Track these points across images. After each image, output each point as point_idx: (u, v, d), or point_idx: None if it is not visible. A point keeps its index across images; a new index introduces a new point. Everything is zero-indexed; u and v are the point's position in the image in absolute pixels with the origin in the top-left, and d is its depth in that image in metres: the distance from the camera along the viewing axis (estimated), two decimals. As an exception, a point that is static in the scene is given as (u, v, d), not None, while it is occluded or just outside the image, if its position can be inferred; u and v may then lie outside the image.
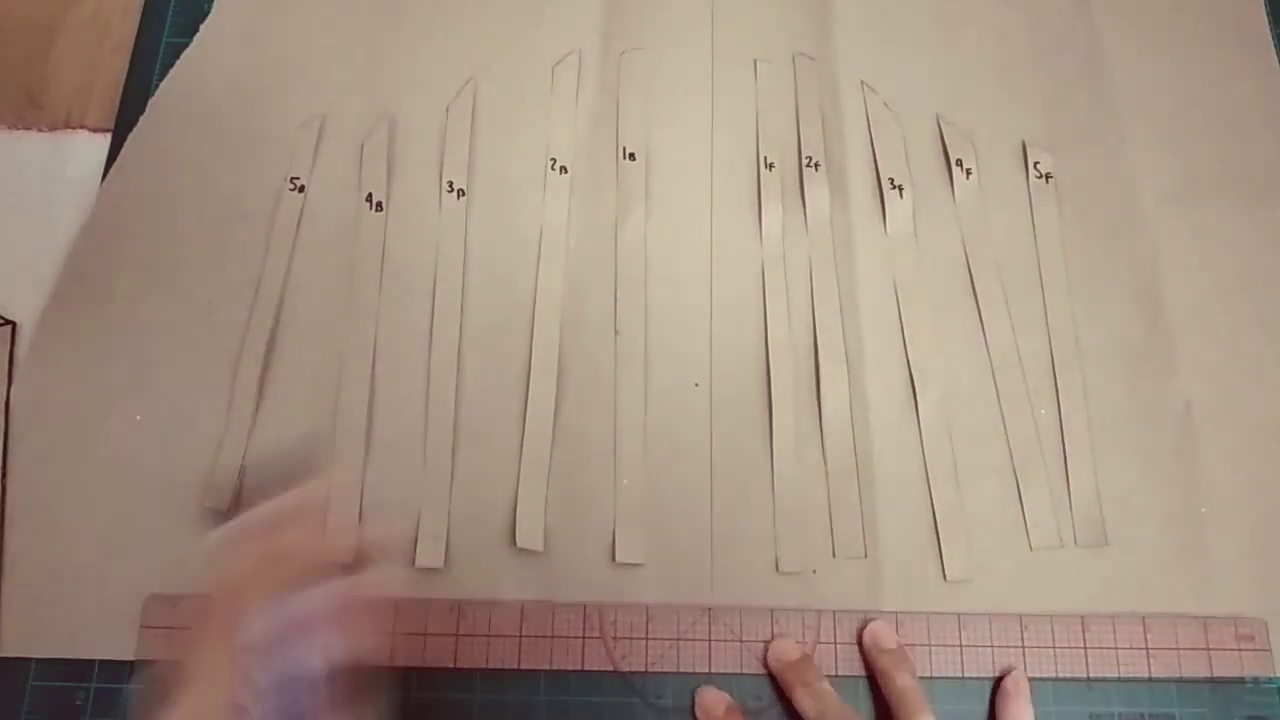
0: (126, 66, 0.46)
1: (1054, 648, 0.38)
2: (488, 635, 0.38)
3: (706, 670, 0.38)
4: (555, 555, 0.39)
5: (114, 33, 0.47)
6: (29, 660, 0.38)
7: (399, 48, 0.47)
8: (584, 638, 0.38)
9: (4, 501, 0.39)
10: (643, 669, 0.37)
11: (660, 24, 0.47)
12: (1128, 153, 0.45)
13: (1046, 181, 0.45)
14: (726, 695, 0.37)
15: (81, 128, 0.46)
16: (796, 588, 0.39)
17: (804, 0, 0.48)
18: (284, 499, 0.32)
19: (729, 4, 0.48)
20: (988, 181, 0.45)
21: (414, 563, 0.38)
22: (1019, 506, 0.40)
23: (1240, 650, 0.38)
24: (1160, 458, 0.41)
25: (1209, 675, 0.38)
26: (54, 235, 0.43)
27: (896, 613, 0.38)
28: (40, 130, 0.46)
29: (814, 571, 0.39)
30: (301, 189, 0.44)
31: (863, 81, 0.46)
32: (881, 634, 0.37)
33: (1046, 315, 0.42)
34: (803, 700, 0.36)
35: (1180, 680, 0.38)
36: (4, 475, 0.39)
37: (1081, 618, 0.38)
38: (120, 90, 0.46)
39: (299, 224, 0.43)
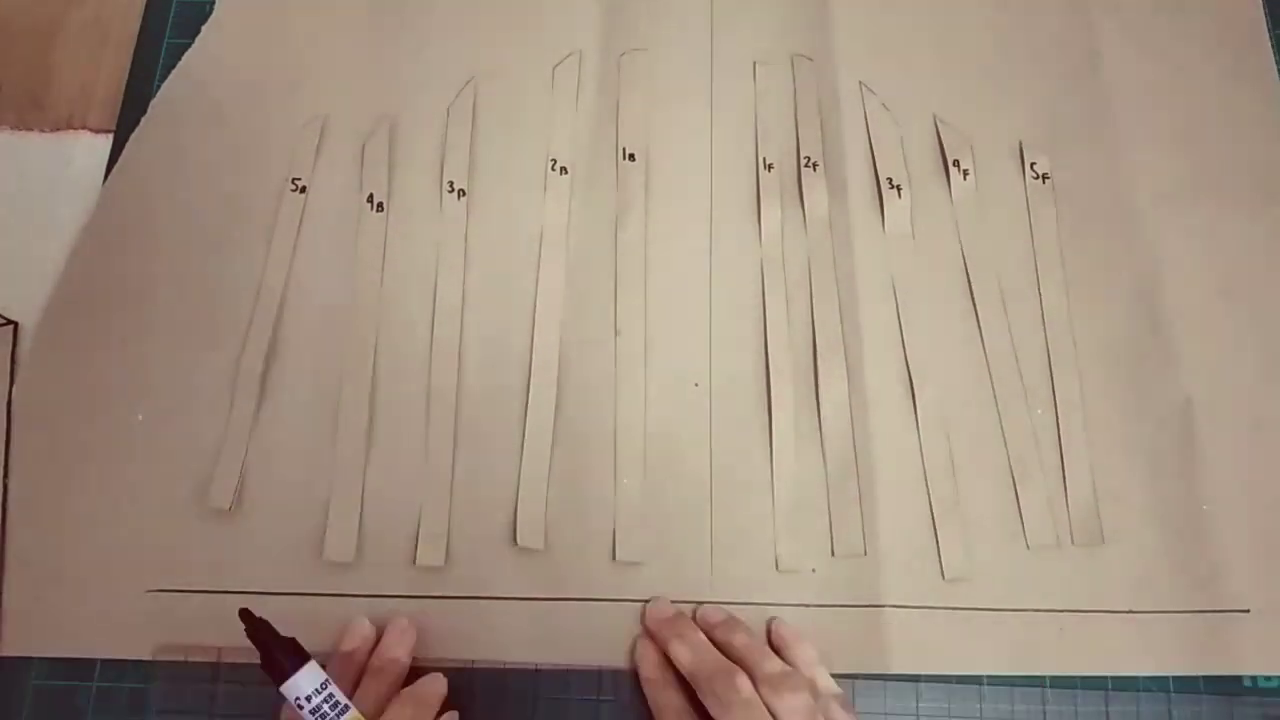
0: (128, 67, 0.47)
1: (1051, 644, 0.38)
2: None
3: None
4: (555, 554, 0.39)
5: (115, 34, 0.47)
6: (30, 659, 0.38)
7: (400, 49, 0.47)
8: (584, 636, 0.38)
9: (5, 500, 0.39)
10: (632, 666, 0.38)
11: (660, 25, 0.47)
12: (1124, 153, 0.45)
13: (1043, 182, 0.45)
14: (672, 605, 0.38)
15: (83, 128, 0.46)
16: (796, 586, 0.39)
17: (803, 2, 0.48)
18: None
19: (728, 5, 0.48)
20: (985, 182, 0.45)
21: (415, 562, 0.38)
22: (1016, 505, 0.40)
23: (1239, 647, 0.38)
24: (1159, 456, 0.41)
25: (1208, 672, 0.38)
26: (55, 236, 0.43)
27: (895, 610, 0.38)
28: (42, 131, 0.46)
29: (813, 570, 0.39)
30: (303, 189, 0.44)
31: (861, 82, 0.46)
32: (707, 613, 0.38)
33: (1043, 315, 0.43)
34: (678, 651, 0.35)
35: (1179, 677, 0.38)
36: (6, 474, 0.40)
37: (1079, 615, 0.38)
38: (122, 91, 0.46)
39: (300, 224, 0.43)
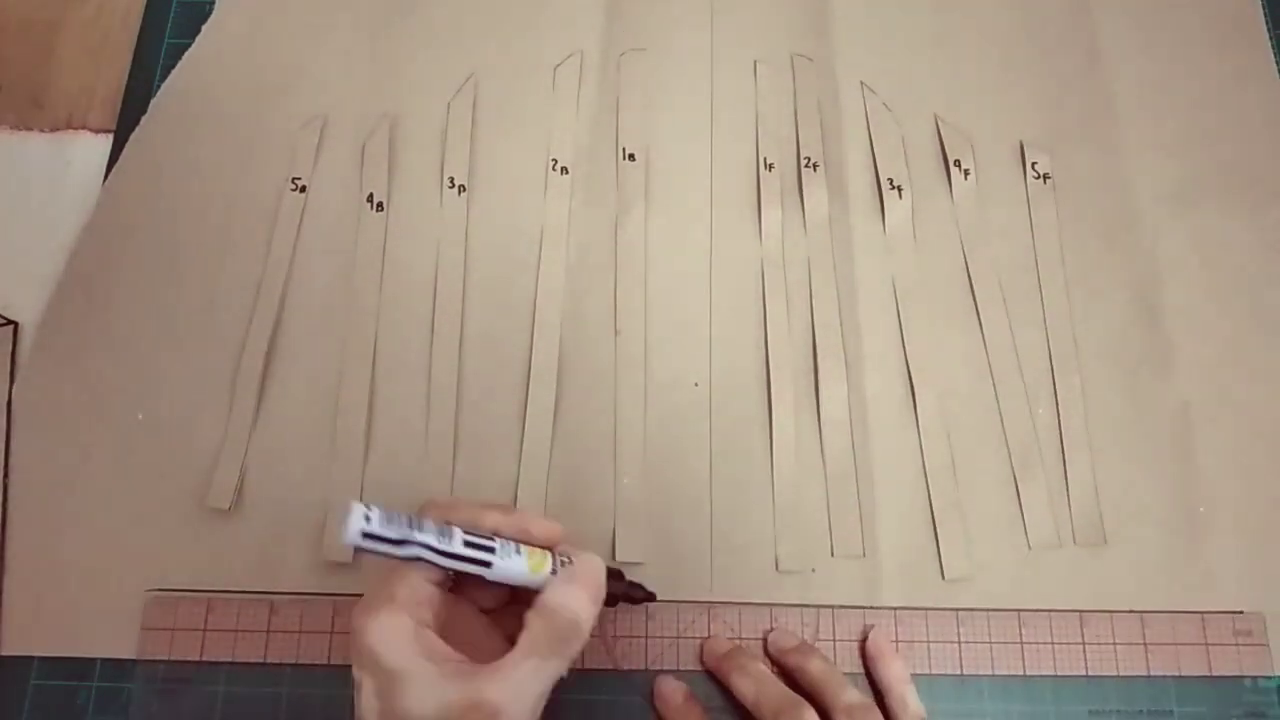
0: (128, 67, 0.47)
1: (1052, 645, 0.38)
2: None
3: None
4: (555, 554, 0.39)
5: (116, 34, 0.47)
6: (30, 658, 0.38)
7: (400, 49, 0.47)
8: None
9: (6, 500, 0.39)
10: (642, 667, 0.38)
11: (660, 25, 0.47)
12: (1125, 153, 0.45)
13: (1044, 182, 0.45)
14: (684, 685, 0.37)
15: (83, 128, 0.46)
16: (796, 586, 0.39)
17: (803, 1, 0.48)
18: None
19: (728, 5, 0.48)
20: (986, 182, 0.45)
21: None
22: (1017, 505, 0.40)
23: (1239, 647, 0.38)
24: (1158, 456, 0.41)
25: (1207, 672, 0.38)
26: (56, 236, 0.43)
27: (895, 610, 0.38)
28: (42, 131, 0.46)
29: (813, 570, 0.39)
30: (303, 189, 0.44)
31: (862, 82, 0.46)
32: (779, 638, 0.37)
33: (1044, 315, 0.43)
34: (739, 683, 0.35)
35: (1179, 677, 0.38)
36: (6, 474, 0.40)
37: (1079, 615, 0.38)
38: (122, 91, 0.46)
39: (300, 224, 0.43)
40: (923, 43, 0.48)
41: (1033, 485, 0.40)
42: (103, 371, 0.41)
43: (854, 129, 0.46)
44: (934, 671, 0.38)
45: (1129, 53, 0.47)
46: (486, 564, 0.29)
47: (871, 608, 0.38)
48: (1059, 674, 0.38)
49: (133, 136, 0.45)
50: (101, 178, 0.44)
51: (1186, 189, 0.45)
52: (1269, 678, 0.38)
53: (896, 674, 0.36)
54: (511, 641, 0.28)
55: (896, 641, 0.38)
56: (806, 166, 0.45)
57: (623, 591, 0.34)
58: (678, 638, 0.38)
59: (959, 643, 0.38)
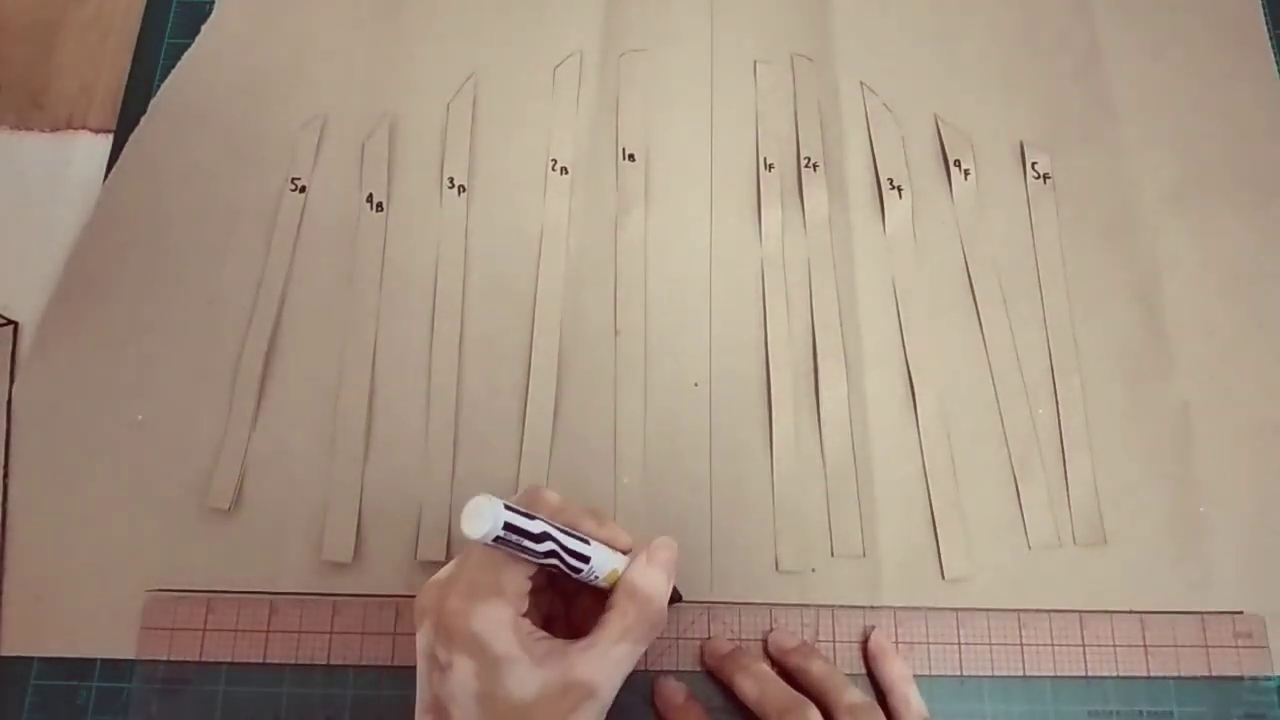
0: (128, 67, 0.47)
1: (1052, 645, 0.38)
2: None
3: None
4: (555, 554, 0.39)
5: (115, 34, 0.47)
6: (31, 659, 0.38)
7: (400, 49, 0.47)
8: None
9: (6, 500, 0.39)
10: (642, 667, 0.38)
11: (660, 25, 0.47)
12: (1126, 153, 0.45)
13: (1045, 182, 0.45)
14: (685, 685, 0.37)
15: (83, 128, 0.46)
16: (795, 586, 0.39)
17: (803, 1, 0.48)
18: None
19: (728, 5, 0.48)
20: (986, 182, 0.45)
21: (416, 557, 0.38)
22: (1017, 505, 0.40)
23: (1238, 648, 0.38)
24: (1158, 457, 0.41)
25: (1207, 673, 0.38)
26: (55, 236, 0.43)
27: (895, 610, 0.38)
28: (42, 131, 0.46)
29: (813, 570, 0.39)
30: (302, 189, 0.44)
31: (862, 82, 0.46)
32: (779, 638, 0.37)
33: (1044, 315, 0.43)
34: (742, 683, 0.35)
35: (1178, 678, 0.38)
36: (6, 474, 0.40)
37: (1079, 615, 0.38)
38: (122, 91, 0.46)
39: (300, 224, 0.43)
40: (923, 43, 0.48)
41: (1032, 485, 0.40)
42: (103, 371, 0.41)
43: (854, 129, 0.46)
44: (934, 672, 0.38)
45: (1129, 53, 0.47)
46: (578, 570, 0.31)
47: (871, 608, 0.38)
48: (1059, 674, 0.38)
49: (132, 136, 0.45)
50: (101, 178, 0.44)
51: (1186, 189, 0.45)
52: (1269, 678, 0.38)
53: (899, 673, 0.36)
54: (540, 610, 0.32)
55: (896, 642, 0.38)
56: (806, 166, 0.45)
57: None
58: (677, 638, 0.38)
59: (959, 643, 0.38)
